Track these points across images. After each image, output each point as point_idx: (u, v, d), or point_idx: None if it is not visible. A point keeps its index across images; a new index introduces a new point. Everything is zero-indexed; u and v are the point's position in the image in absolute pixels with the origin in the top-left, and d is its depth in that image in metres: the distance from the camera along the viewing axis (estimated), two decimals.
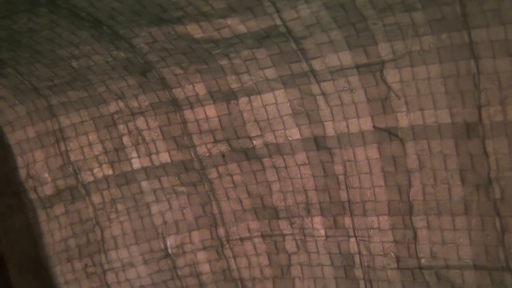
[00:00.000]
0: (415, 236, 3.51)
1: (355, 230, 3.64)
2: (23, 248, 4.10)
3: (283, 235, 3.85)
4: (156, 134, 3.89)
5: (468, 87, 3.19)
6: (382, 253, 3.61)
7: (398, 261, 3.59)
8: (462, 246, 3.41)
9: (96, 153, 4.03)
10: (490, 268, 3.37)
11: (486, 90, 3.15)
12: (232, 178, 3.87)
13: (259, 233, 3.91)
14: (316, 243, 3.79)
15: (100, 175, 4.04)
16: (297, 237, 3.81)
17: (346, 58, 3.37)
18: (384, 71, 3.31)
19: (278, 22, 3.26)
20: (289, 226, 3.82)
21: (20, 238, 4.09)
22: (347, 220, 3.66)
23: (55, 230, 4.08)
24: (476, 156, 3.28)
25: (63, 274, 4.12)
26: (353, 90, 3.42)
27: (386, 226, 3.55)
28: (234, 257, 3.98)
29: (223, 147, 3.80)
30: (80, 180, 4.02)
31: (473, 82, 3.15)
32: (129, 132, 3.93)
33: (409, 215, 3.50)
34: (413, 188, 3.47)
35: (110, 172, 4.03)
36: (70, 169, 4.02)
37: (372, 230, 3.59)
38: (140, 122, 3.90)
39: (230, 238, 3.96)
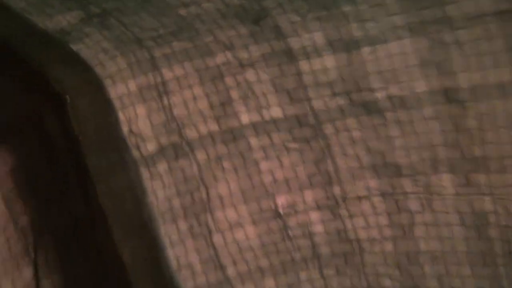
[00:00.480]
0: None
1: (491, 188, 3.32)
2: (126, 208, 3.92)
3: (406, 194, 3.57)
4: (267, 87, 3.61)
5: None
6: None
7: None
8: None
9: (201, 107, 3.78)
10: None
11: None
12: (350, 134, 3.61)
13: (379, 192, 3.64)
14: (444, 202, 3.50)
15: (205, 131, 3.81)
16: (422, 195, 3.53)
17: (485, 3, 3.00)
18: None
19: None
20: (413, 184, 3.53)
21: (123, 198, 3.91)
22: (482, 178, 3.34)
23: (159, 189, 3.89)
24: None
25: (168, 235, 3.93)
26: (492, 39, 3.05)
27: None
28: (351, 217, 3.73)
29: (342, 101, 3.50)
30: (184, 136, 3.81)
31: None
32: (237, 85, 3.66)
33: None
34: None
35: (216, 128, 3.80)
36: (174, 125, 3.79)
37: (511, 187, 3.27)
38: (250, 74, 3.64)
39: (347, 197, 3.70)
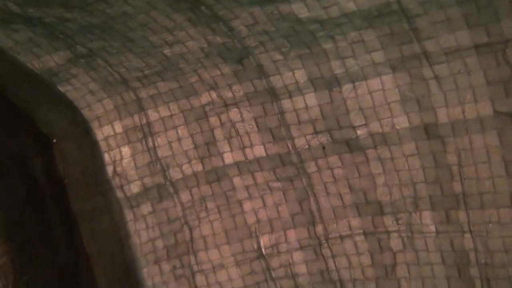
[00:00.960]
0: None
1: (471, 225, 3.34)
2: (110, 251, 3.91)
3: (388, 232, 3.59)
4: (251, 126, 3.68)
5: None
6: (502, 249, 3.31)
7: None
8: None
9: (186, 148, 3.84)
10: None
11: None
12: (332, 172, 3.64)
13: (361, 231, 3.65)
14: (425, 240, 3.52)
15: (189, 171, 3.84)
16: (404, 234, 3.55)
17: (463, 38, 3.10)
18: (507, 50, 3.02)
19: None
20: (394, 222, 3.56)
21: (107, 240, 3.91)
22: (462, 214, 3.37)
23: (142, 231, 3.89)
24: None
25: (151, 276, 3.92)
26: (471, 73, 3.14)
27: (508, 219, 3.25)
28: (333, 256, 3.73)
29: (324, 138, 3.58)
30: (168, 177, 3.83)
31: None
32: (222, 124, 3.73)
33: None
34: None
35: (200, 168, 3.83)
36: (158, 166, 3.83)
37: (491, 225, 3.29)
38: (234, 113, 3.70)
39: (329, 236, 3.71)
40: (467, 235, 3.38)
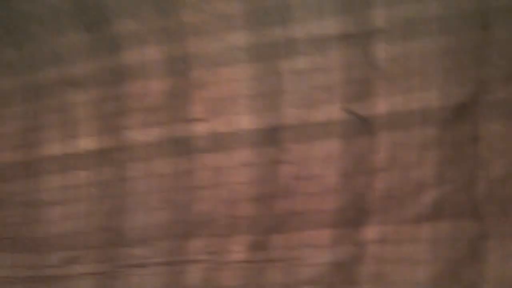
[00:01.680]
0: (361, 254, 2.46)
1: (284, 251, 2.61)
2: None
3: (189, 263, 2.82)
4: (85, 111, 3.13)
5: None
6: (311, 281, 2.54)
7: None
8: (422, 263, 2.35)
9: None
10: None
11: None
12: (155, 181, 2.98)
13: (159, 261, 2.88)
14: (233, 272, 2.72)
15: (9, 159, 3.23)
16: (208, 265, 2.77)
17: (328, 26, 2.64)
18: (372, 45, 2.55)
19: None
20: (204, 249, 2.80)
21: None
22: (276, 238, 2.65)
23: None
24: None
25: None
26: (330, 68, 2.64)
27: (324, 243, 2.54)
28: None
29: (158, 134, 2.96)
30: None
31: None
32: (52, 108, 3.18)
33: (359, 226, 2.51)
34: (374, 193, 2.50)
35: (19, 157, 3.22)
36: None
37: (304, 249, 2.57)
38: (71, 95, 3.17)
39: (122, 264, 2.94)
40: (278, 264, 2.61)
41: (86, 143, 3.10)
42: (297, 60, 2.70)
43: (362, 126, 2.57)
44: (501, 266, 2.37)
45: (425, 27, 2.48)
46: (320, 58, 2.65)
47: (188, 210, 2.86)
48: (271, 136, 2.73)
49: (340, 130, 2.62)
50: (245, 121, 2.79)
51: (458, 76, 2.41)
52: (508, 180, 2.34)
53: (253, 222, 2.72)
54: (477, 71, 2.41)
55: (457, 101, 2.43)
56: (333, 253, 2.59)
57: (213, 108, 2.84)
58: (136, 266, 2.96)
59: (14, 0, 3.02)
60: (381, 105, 2.55)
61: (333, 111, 2.63)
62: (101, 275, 3.01)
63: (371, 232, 2.56)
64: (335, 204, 2.59)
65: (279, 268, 2.68)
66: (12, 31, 3.12)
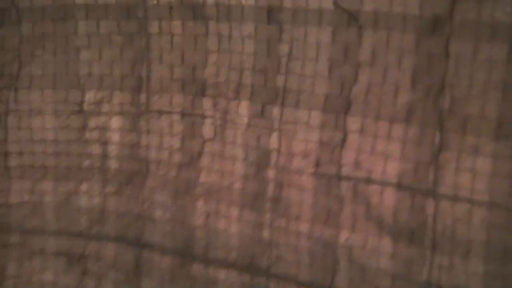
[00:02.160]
0: (344, 140, 2.90)
1: (281, 123, 3.02)
2: None
3: (204, 117, 3.27)
4: None
5: None
6: (303, 153, 2.99)
7: (317, 165, 2.97)
8: (392, 158, 2.77)
9: None
10: (414, 190, 2.73)
11: None
12: (172, 38, 3.32)
13: (180, 109, 3.32)
14: (235, 132, 3.18)
15: (38, 2, 3.51)
16: (218, 122, 3.23)
17: None
18: None
19: None
20: (212, 106, 3.23)
21: None
22: (276, 110, 3.04)
23: None
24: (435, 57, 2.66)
25: None
26: None
27: (315, 123, 2.93)
28: (148, 131, 3.42)
29: None
30: (16, 2, 3.51)
31: None
32: None
33: (344, 115, 2.88)
34: (357, 85, 2.84)
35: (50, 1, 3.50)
36: None
37: (299, 125, 2.97)
38: None
39: (150, 108, 3.38)
40: (275, 133, 3.06)
41: None
42: None
43: (350, 19, 2.87)
44: (455, 176, 2.78)
45: None
46: None
47: (201, 71, 3.26)
48: (270, 15, 3.04)
49: (330, 19, 2.91)
50: None
51: None
52: (470, 101, 2.68)
53: (255, 91, 3.13)
54: None
55: (434, 12, 2.70)
56: (321, 133, 3.01)
57: None
58: (155, 112, 3.44)
59: None
60: (367, 3, 2.83)
61: (323, 0, 2.92)
62: (128, 115, 3.50)
63: (353, 121, 2.95)
64: (325, 88, 2.95)
65: (275, 137, 3.13)
66: None
